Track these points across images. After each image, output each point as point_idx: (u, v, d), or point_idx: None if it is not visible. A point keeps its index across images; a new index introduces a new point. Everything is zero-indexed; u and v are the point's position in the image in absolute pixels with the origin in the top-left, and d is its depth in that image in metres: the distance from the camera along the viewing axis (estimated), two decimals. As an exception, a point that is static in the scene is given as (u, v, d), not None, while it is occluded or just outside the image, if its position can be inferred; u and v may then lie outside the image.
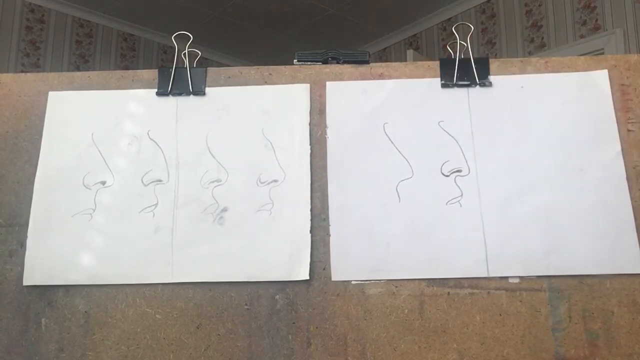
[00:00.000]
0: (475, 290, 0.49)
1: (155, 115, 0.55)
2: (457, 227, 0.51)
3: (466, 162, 0.53)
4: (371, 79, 0.56)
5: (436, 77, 0.55)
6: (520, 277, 0.49)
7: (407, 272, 0.50)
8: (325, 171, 0.53)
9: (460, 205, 0.51)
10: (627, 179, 0.51)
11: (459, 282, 0.50)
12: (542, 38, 2.70)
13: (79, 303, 0.51)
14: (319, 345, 0.49)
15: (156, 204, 0.53)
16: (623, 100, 0.53)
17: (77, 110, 0.56)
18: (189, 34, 0.60)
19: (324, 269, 0.51)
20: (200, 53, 0.59)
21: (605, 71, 0.54)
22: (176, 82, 0.56)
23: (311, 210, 0.52)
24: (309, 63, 0.57)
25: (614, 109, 0.53)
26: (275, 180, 0.53)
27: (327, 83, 0.55)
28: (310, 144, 0.54)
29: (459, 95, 0.54)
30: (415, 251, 0.51)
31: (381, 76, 0.56)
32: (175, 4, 3.13)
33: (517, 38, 2.83)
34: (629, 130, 0.53)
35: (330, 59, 0.57)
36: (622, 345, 0.48)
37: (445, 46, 3.23)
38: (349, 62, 0.57)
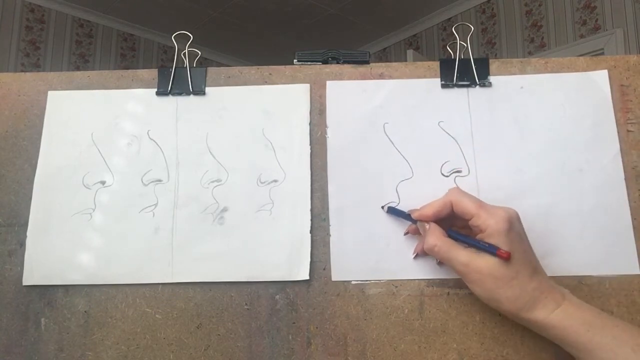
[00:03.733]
0: (475, 291, 0.49)
1: (155, 115, 0.55)
2: (457, 227, 0.50)
3: (466, 162, 0.53)
4: (371, 79, 0.56)
5: (436, 77, 0.55)
6: (520, 277, 0.49)
7: (407, 272, 0.50)
8: (325, 171, 0.53)
9: (460, 206, 0.51)
10: (626, 179, 0.51)
11: (458, 282, 0.50)
12: (542, 38, 2.70)
13: (79, 303, 0.51)
14: (319, 345, 0.49)
15: (156, 204, 0.53)
16: (623, 101, 0.53)
17: (76, 109, 0.55)
18: (189, 34, 0.60)
19: (324, 269, 0.51)
20: (200, 53, 0.59)
21: (605, 72, 0.54)
22: (176, 82, 0.56)
23: (311, 210, 0.52)
24: (309, 63, 0.57)
25: (614, 109, 0.53)
26: (275, 180, 0.53)
27: (327, 83, 0.55)
28: (310, 144, 0.54)
29: (458, 95, 0.54)
30: (415, 251, 0.51)
31: (381, 76, 0.56)
32: (175, 4, 3.14)
33: (517, 38, 2.83)
34: (628, 131, 0.53)
35: (330, 59, 0.57)
36: (622, 346, 0.47)
37: (445, 46, 3.23)
38: (349, 62, 0.56)
